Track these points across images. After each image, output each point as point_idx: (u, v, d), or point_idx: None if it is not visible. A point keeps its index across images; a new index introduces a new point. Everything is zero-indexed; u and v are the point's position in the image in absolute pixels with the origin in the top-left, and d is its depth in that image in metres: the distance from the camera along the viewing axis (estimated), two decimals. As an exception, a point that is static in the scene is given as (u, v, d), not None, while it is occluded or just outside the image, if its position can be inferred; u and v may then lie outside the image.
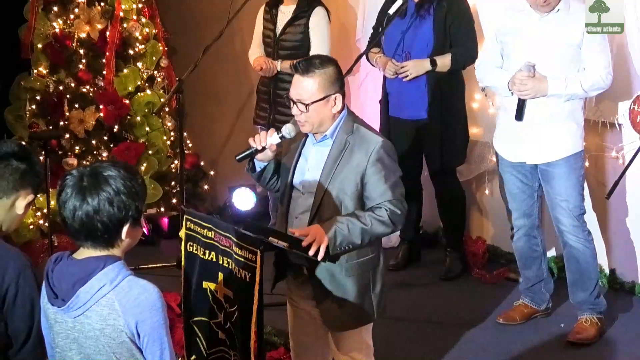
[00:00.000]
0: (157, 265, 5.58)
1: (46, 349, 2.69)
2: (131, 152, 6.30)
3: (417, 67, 5.17)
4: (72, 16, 6.38)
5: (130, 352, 2.50)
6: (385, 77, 5.33)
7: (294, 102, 3.34)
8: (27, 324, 2.76)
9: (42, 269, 2.61)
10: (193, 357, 3.54)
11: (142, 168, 6.34)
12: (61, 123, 6.34)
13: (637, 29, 4.69)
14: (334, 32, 5.78)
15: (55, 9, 6.40)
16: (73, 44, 6.38)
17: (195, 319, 3.50)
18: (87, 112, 6.33)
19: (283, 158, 3.52)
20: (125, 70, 6.44)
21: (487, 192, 5.73)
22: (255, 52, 5.79)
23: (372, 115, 5.38)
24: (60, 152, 6.34)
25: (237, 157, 3.45)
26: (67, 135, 6.31)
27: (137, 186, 2.53)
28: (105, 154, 6.30)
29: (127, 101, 6.41)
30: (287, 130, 3.40)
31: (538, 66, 4.33)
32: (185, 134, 6.44)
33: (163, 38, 6.77)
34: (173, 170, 6.58)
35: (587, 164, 4.79)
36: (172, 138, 6.63)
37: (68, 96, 6.35)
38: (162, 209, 6.48)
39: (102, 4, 6.41)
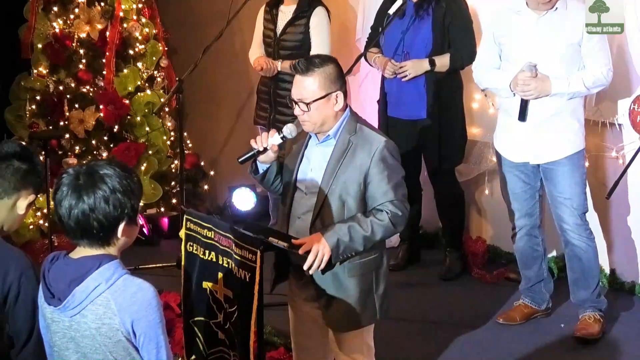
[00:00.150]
0: (157, 265, 5.57)
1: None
2: (131, 152, 6.29)
3: (416, 67, 5.16)
4: (72, 16, 6.38)
5: (126, 351, 2.50)
6: (383, 77, 5.34)
7: (296, 102, 3.34)
8: (28, 324, 2.76)
9: (42, 269, 2.62)
10: (193, 357, 3.54)
11: (142, 168, 6.34)
12: (61, 123, 6.34)
13: (637, 29, 4.69)
14: (334, 32, 5.78)
15: (55, 9, 6.39)
16: (73, 44, 6.38)
17: (195, 319, 3.50)
18: (87, 112, 6.32)
19: (285, 159, 3.51)
20: (125, 70, 6.44)
21: (486, 192, 5.72)
22: (256, 52, 5.79)
23: (371, 115, 5.38)
24: (60, 152, 6.34)
25: (239, 159, 3.44)
26: (67, 135, 6.30)
27: (133, 184, 2.53)
28: (105, 154, 6.29)
29: (127, 101, 6.40)
30: (289, 130, 3.39)
31: (538, 66, 4.33)
32: (185, 134, 6.44)
33: (163, 38, 6.77)
34: (173, 170, 6.58)
35: (587, 163, 4.79)
36: (172, 138, 6.63)
37: (68, 96, 6.34)
38: (162, 209, 6.47)
39: (102, 4, 6.40)
